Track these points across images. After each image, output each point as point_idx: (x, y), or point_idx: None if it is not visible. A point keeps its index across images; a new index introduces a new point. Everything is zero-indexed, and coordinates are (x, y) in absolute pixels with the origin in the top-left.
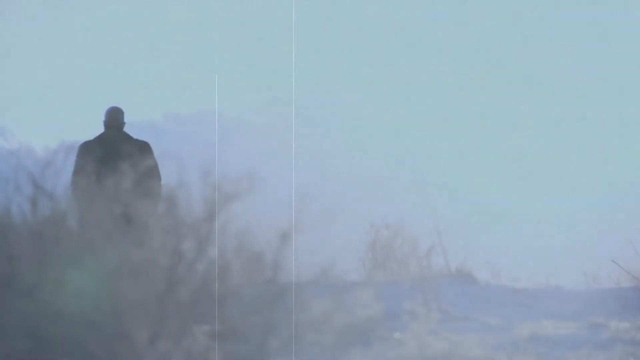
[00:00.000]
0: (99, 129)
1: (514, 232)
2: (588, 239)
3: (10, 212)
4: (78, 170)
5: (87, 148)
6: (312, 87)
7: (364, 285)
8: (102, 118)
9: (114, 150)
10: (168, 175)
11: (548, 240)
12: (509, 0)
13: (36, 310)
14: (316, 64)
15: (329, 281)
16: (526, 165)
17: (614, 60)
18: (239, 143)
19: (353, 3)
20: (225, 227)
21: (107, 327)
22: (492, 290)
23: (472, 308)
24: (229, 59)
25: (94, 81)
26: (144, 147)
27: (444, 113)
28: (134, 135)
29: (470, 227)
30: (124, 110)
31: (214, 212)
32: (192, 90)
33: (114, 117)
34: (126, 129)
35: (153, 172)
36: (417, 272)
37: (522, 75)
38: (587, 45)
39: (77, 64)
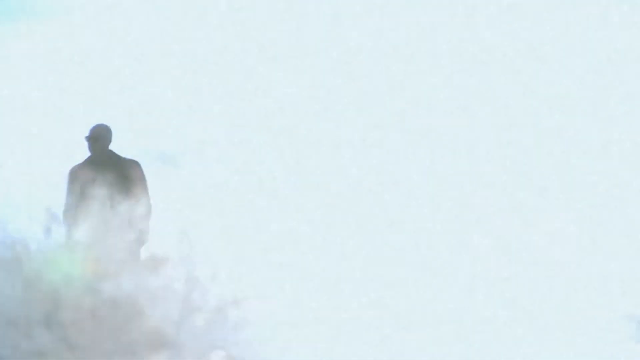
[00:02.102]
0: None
1: (528, 254)
2: (601, 262)
3: (25, 239)
4: (69, 196)
5: (75, 173)
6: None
7: None
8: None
9: (103, 170)
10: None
11: (561, 262)
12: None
13: (52, 337)
14: (312, 95)
15: None
16: (540, 188)
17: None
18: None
19: (349, 30)
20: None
21: (123, 355)
22: None
23: None
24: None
25: (104, 108)
26: (133, 166)
27: (456, 133)
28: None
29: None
30: (127, 134)
31: None
32: (202, 120)
33: (94, 131)
34: (143, 158)
35: (143, 192)
36: None
37: (535, 94)
38: (602, 57)
39: (88, 90)
